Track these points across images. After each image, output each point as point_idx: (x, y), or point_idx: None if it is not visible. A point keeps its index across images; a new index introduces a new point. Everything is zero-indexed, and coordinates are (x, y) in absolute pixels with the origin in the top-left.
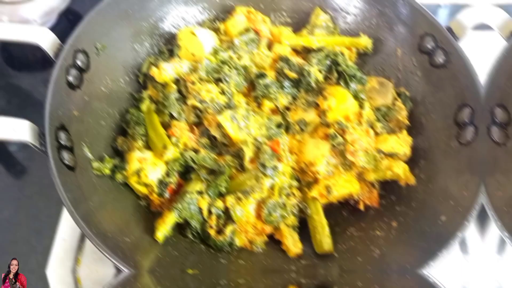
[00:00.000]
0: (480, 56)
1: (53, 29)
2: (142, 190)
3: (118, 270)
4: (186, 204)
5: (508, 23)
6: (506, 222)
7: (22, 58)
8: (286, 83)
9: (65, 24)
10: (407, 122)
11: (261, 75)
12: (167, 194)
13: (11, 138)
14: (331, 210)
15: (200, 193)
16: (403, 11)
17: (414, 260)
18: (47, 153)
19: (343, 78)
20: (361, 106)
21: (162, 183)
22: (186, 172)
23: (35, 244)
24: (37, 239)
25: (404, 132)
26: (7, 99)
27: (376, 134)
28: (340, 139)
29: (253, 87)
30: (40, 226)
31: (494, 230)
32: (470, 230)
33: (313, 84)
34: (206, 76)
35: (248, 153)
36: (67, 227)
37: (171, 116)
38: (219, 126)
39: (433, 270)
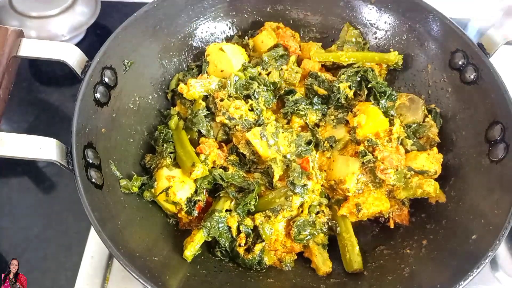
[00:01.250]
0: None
1: (81, 43)
2: (171, 208)
3: None
4: (215, 223)
5: None
6: None
7: (50, 73)
8: (316, 100)
9: (93, 38)
10: (437, 139)
11: (290, 91)
12: (195, 212)
13: (37, 157)
14: (360, 227)
15: (229, 211)
16: (434, 27)
17: (445, 279)
18: (74, 172)
19: (373, 94)
20: (391, 123)
21: (190, 201)
22: (215, 190)
23: (64, 260)
24: (66, 256)
25: (435, 149)
26: (35, 115)
27: (406, 151)
28: (370, 156)
29: (282, 104)
30: (69, 242)
31: None
32: (501, 247)
33: (343, 101)
34: (235, 92)
35: (277, 170)
36: (95, 245)
37: (200, 133)
38: (248, 143)
39: None
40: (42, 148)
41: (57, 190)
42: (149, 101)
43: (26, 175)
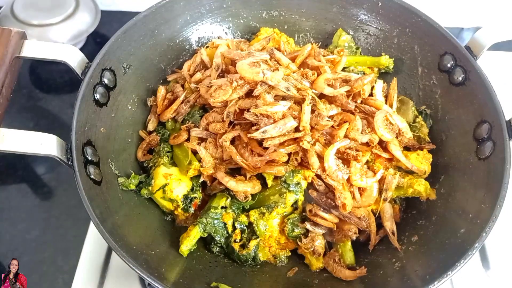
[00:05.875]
0: (498, 74)
1: (81, 51)
2: (167, 205)
3: (144, 287)
4: (211, 219)
5: None
6: None
7: (50, 80)
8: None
9: (92, 46)
10: (427, 139)
11: None
12: (192, 209)
13: (38, 152)
14: None
15: (224, 208)
16: (423, 31)
17: (434, 271)
18: (73, 167)
19: None
20: None
21: (187, 199)
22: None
23: (62, 264)
24: (64, 259)
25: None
26: (35, 121)
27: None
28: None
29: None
30: (67, 246)
31: None
32: (491, 246)
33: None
34: None
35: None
36: (93, 244)
37: None
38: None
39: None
40: (43, 144)
41: (55, 196)
42: (147, 102)
43: (25, 180)
